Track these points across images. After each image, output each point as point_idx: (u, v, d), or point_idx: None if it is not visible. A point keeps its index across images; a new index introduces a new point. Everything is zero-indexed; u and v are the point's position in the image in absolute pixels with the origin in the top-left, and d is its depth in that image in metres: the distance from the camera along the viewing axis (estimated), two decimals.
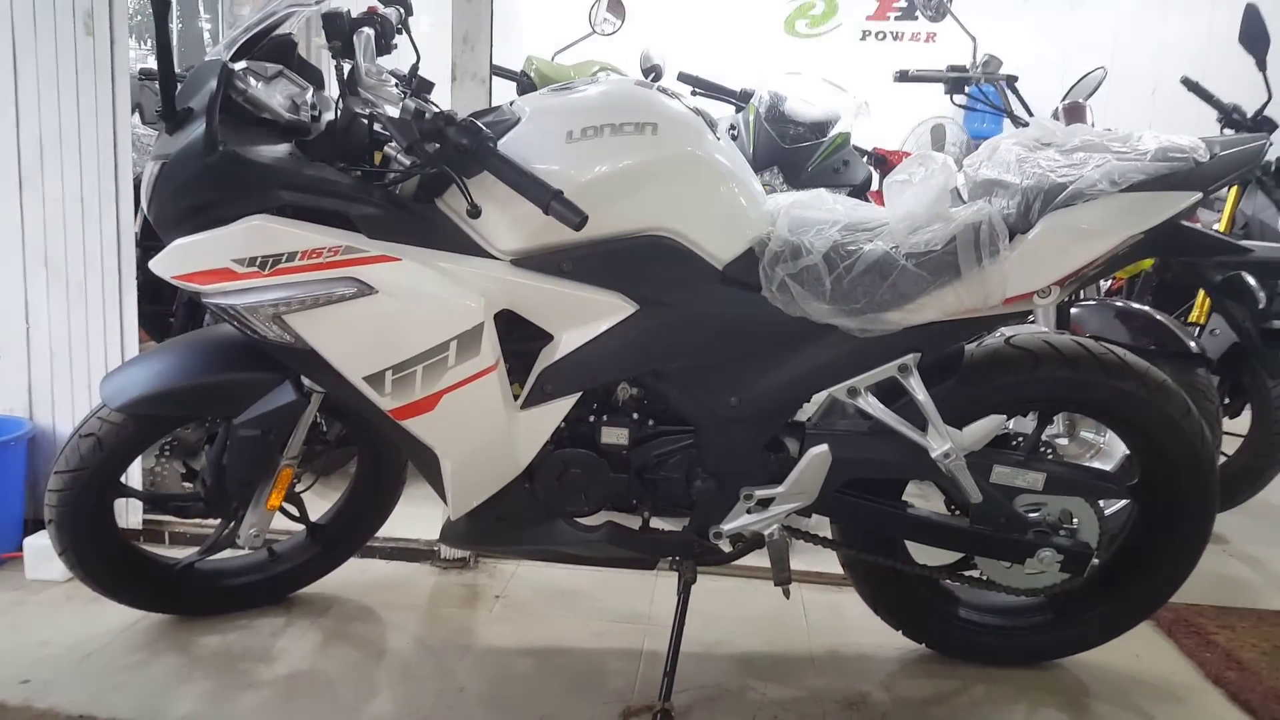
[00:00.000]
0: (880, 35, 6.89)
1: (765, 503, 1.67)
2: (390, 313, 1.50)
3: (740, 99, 2.95)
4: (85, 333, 2.28)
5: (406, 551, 2.31)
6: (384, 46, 1.71)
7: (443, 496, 1.68)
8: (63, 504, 1.70)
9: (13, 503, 2.18)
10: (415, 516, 2.24)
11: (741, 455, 1.67)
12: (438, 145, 1.42)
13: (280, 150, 1.51)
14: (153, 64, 3.54)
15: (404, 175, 1.50)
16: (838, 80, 2.90)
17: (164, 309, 2.82)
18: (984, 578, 1.74)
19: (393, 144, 1.50)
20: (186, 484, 1.92)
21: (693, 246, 1.55)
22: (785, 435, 1.70)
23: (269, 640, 1.88)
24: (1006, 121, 2.86)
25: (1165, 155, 1.44)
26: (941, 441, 1.57)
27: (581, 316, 1.56)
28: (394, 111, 1.53)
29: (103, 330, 2.28)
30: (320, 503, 2.11)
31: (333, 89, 1.65)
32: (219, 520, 1.87)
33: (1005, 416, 1.61)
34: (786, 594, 1.70)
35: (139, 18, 5.15)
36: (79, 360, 2.29)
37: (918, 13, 2.87)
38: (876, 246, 1.51)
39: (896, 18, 6.94)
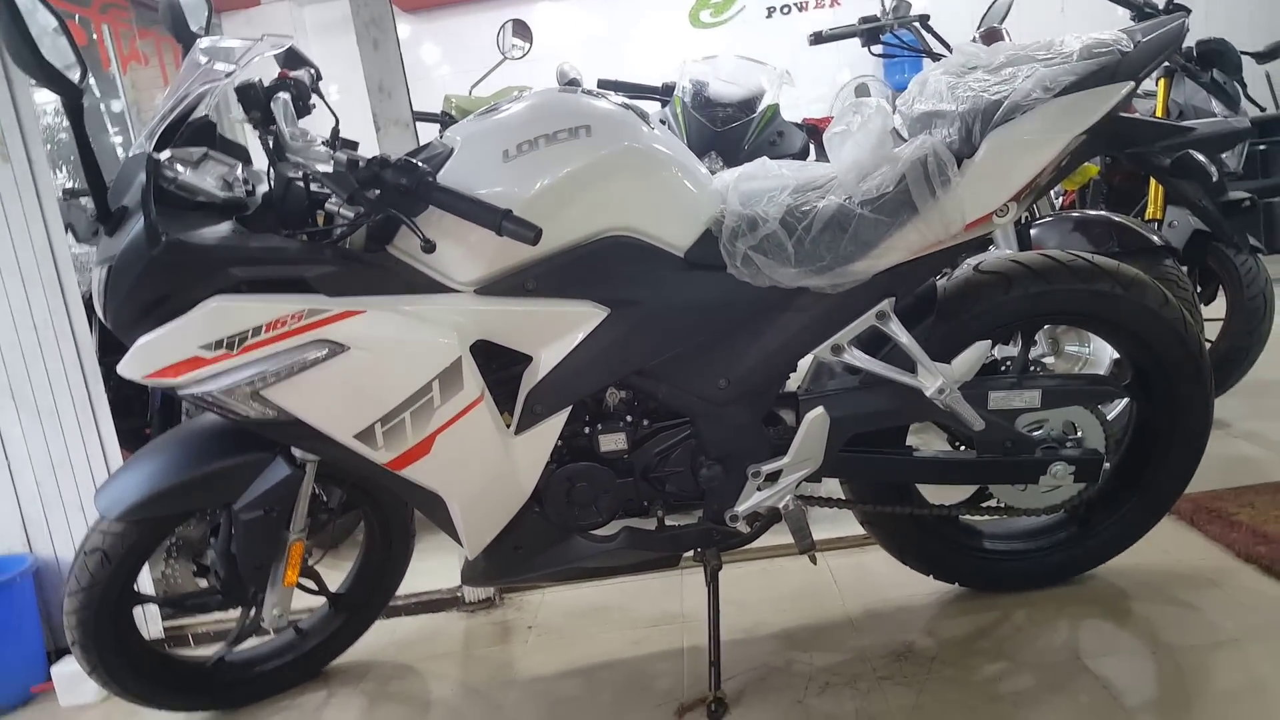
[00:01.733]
0: (785, 9, 6.95)
1: (774, 476, 1.67)
2: (366, 366, 1.48)
3: (663, 93, 2.96)
4: (67, 456, 2.25)
5: (430, 603, 2.30)
6: (302, 109, 1.69)
7: (456, 539, 1.66)
8: (82, 624, 1.68)
9: (31, 637, 2.14)
10: (432, 568, 2.24)
11: (741, 435, 1.67)
12: (377, 191, 1.42)
13: (223, 229, 1.49)
14: (74, 184, 3.52)
15: (350, 228, 1.49)
16: (753, 55, 2.91)
17: (138, 421, 2.78)
18: (1002, 505, 1.74)
19: (333, 200, 1.50)
20: (200, 580, 1.89)
21: (650, 239, 1.55)
22: (780, 408, 1.70)
23: (315, 715, 1.85)
24: (927, 62, 2.89)
25: (1091, 53, 1.46)
26: (933, 379, 1.58)
27: (555, 331, 1.56)
28: (327, 168, 1.52)
29: (84, 451, 2.25)
30: (336, 574, 2.09)
31: (260, 161, 1.65)
32: (240, 610, 1.85)
33: (989, 342, 1.62)
34: (813, 560, 1.70)
35: (50, 145, 5.10)
36: (66, 484, 2.26)
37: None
38: (830, 201, 1.51)
39: None
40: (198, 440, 1.70)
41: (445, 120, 3.03)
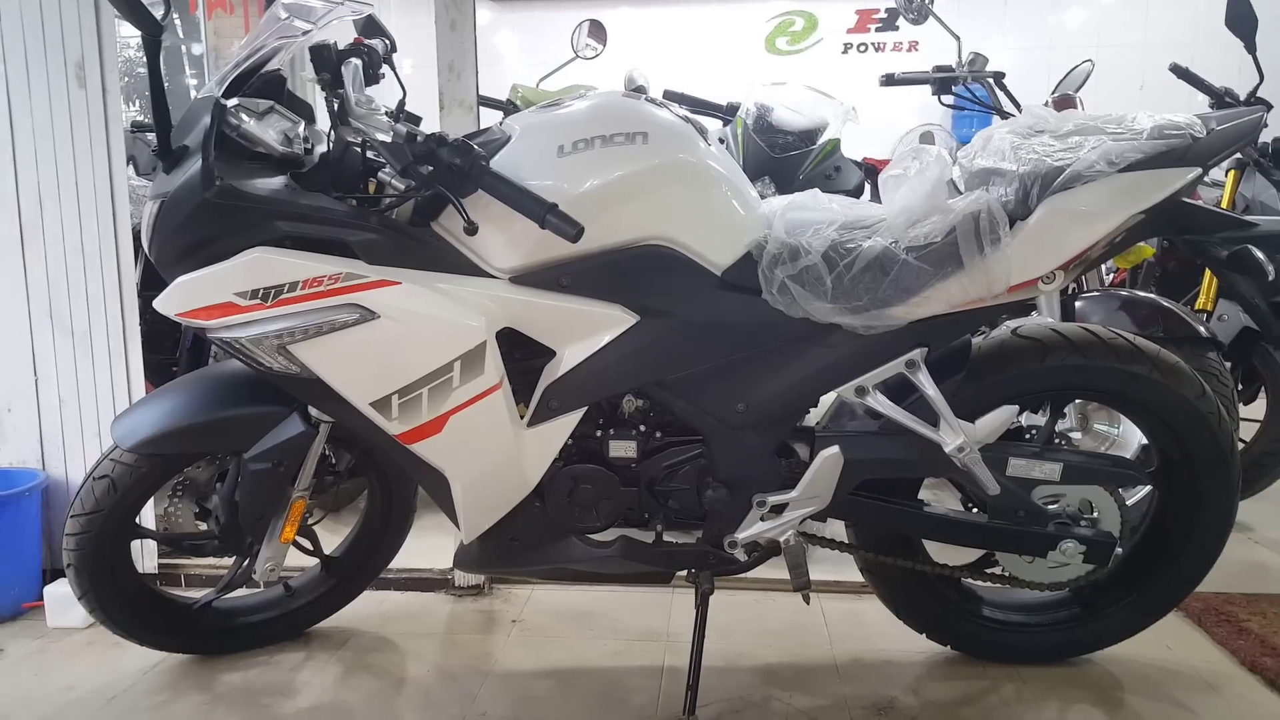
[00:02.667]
0: (862, 47, 6.95)
1: (779, 509, 1.65)
2: (393, 337, 1.50)
3: (727, 112, 2.96)
4: (93, 381, 2.29)
5: (420, 581, 2.30)
6: (371, 77, 1.71)
7: (454, 520, 1.67)
8: (80, 547, 1.70)
9: (30, 553, 2.17)
10: (427, 547, 2.24)
11: (752, 462, 1.65)
12: (431, 167, 1.43)
13: (276, 183, 1.51)
14: (144, 118, 3.59)
15: (399, 200, 1.51)
16: (822, 87, 2.91)
17: (166, 358, 2.83)
18: (1006, 574, 1.72)
19: (386, 170, 1.52)
20: (200, 523, 1.91)
21: (690, 254, 1.55)
22: (795, 440, 1.69)
23: (289, 675, 1.86)
24: (996, 119, 2.87)
25: (1161, 133, 1.44)
26: (955, 436, 1.56)
27: (583, 331, 1.56)
28: (385, 138, 1.54)
29: (109, 377, 2.29)
30: (333, 537, 2.10)
31: (323, 122, 1.67)
32: (234, 558, 1.86)
33: (1016, 408, 1.59)
34: (806, 599, 1.68)
35: (127, 79, 5.21)
36: (88, 409, 2.29)
37: (900, 19, 2.87)
38: (876, 243, 1.50)
39: (877, 29, 7.00)
40: (220, 385, 1.72)
41: (508, 108, 3.06)
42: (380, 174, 1.52)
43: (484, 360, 1.51)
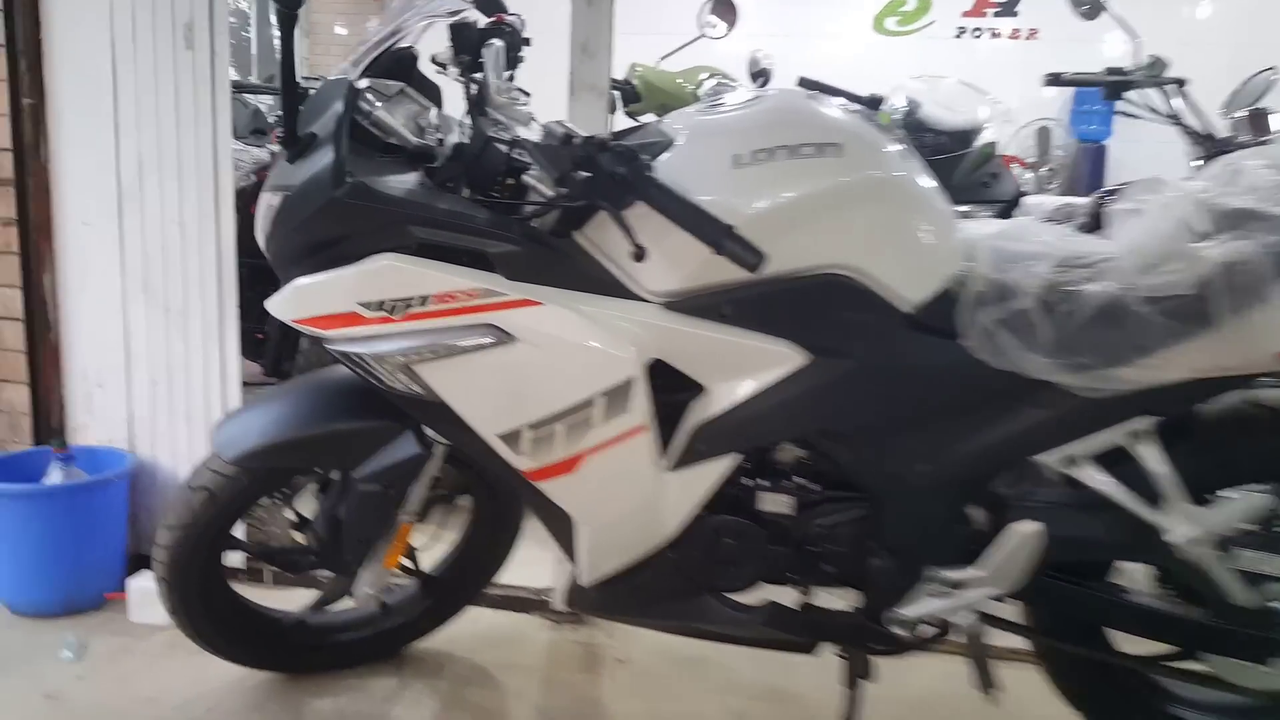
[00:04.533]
0: (977, 32, 6.52)
1: (954, 585, 1.44)
2: (530, 364, 1.32)
3: (869, 105, 2.71)
4: (185, 361, 2.17)
5: (516, 601, 2.15)
6: (512, 60, 1.53)
7: (572, 560, 1.50)
8: (174, 560, 1.57)
9: (115, 542, 2.08)
10: (522, 560, 2.07)
11: (927, 529, 1.44)
12: (587, 174, 1.24)
13: (410, 180, 1.34)
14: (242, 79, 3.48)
15: (545, 207, 1.32)
16: (976, 83, 2.64)
17: (254, 326, 2.71)
18: (1215, 675, 1.48)
19: (532, 171, 1.33)
20: (295, 531, 1.78)
21: (877, 287, 1.33)
22: (976, 505, 1.47)
23: (383, 706, 1.73)
24: (1170, 132, 2.56)
25: None
26: (1184, 524, 1.33)
27: (743, 367, 1.36)
28: (526, 133, 1.35)
29: (203, 358, 2.17)
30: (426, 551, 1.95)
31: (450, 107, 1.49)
32: (332, 575, 1.72)
33: (1269, 495, 1.35)
34: (993, 698, 1.47)
35: (231, 43, 5.14)
36: (179, 389, 2.18)
37: (1076, 9, 2.57)
38: (1103, 288, 1.27)
39: (995, 13, 6.57)
40: (330, 395, 1.56)
41: (625, 89, 2.85)
42: (525, 176, 1.33)
43: (631, 397, 1.33)
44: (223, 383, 2.17)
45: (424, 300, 1.30)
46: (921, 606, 1.44)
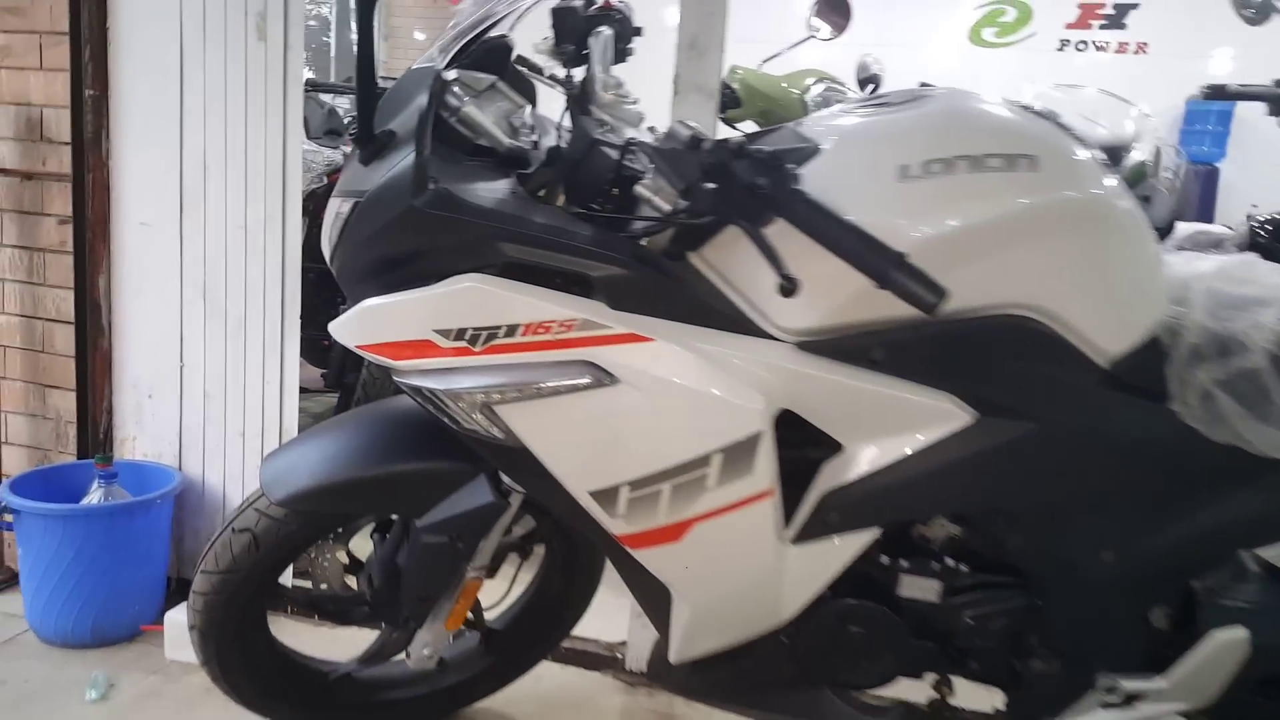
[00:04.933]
0: (1081, 45, 6.16)
1: (1130, 696, 1.18)
2: (635, 411, 1.10)
3: None
4: (243, 374, 2.01)
5: (585, 656, 1.94)
6: (621, 52, 1.32)
7: (663, 634, 1.28)
8: (209, 609, 1.38)
9: (157, 568, 1.92)
10: (594, 607, 1.84)
11: (1105, 630, 1.20)
12: (715, 185, 1.02)
13: (501, 189, 1.14)
14: (313, 75, 3.36)
15: (661, 224, 1.10)
16: (1120, 93, 2.35)
17: (319, 333, 2.56)
18: None
19: (646, 181, 1.11)
20: (348, 576, 1.58)
21: (1069, 334, 1.10)
22: (1165, 603, 1.21)
23: None
24: None
25: None
26: None
27: (892, 424, 1.13)
28: (641, 137, 1.14)
29: (261, 371, 2.01)
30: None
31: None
32: (385, 626, 1.53)
33: None
34: None
35: (312, 46, 5.04)
36: (233, 403, 2.02)
37: (1240, 13, 2.28)
38: None
39: (1101, 26, 6.20)
40: (392, 430, 1.36)
41: (723, 94, 2.62)
42: (638, 186, 1.11)
43: (755, 456, 1.10)
44: (280, 398, 2.01)
45: (512, 330, 1.09)
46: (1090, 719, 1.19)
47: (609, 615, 1.84)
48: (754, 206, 1.00)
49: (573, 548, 1.65)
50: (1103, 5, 6.07)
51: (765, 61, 2.86)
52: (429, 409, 1.19)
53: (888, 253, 0.96)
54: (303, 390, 2.73)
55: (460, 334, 1.10)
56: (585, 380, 1.09)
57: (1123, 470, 1.13)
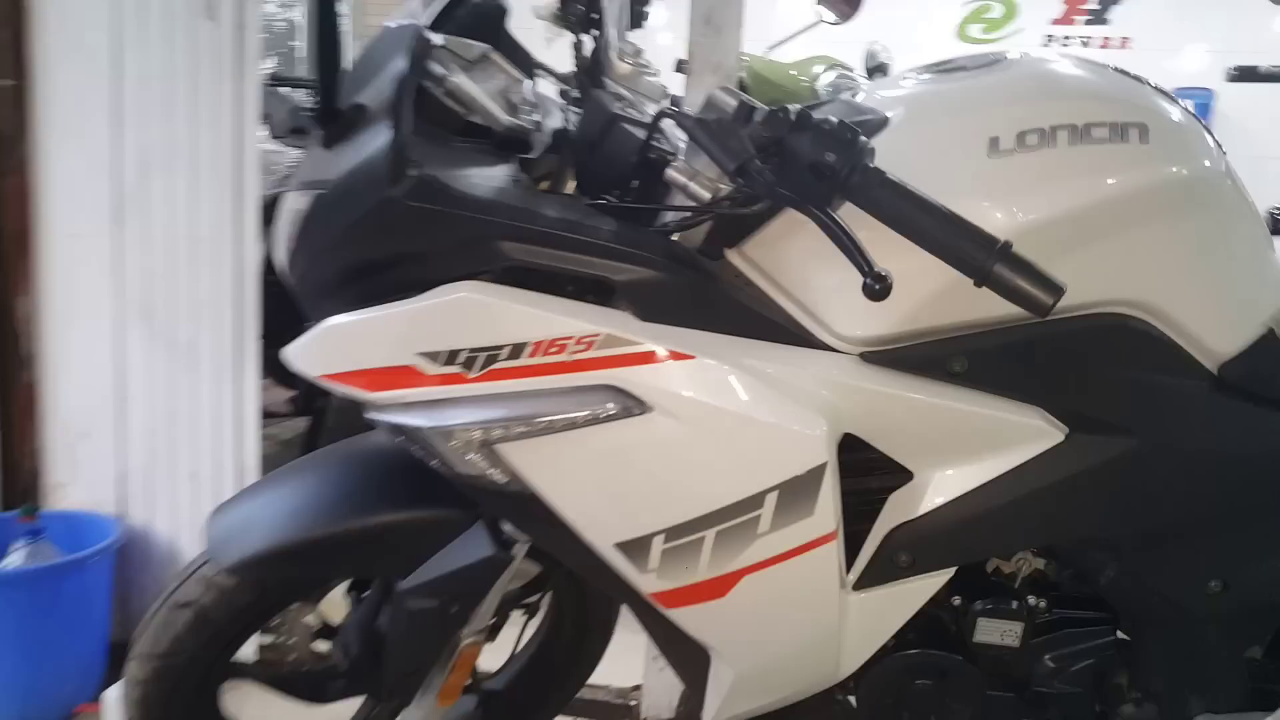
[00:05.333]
0: (1066, 41, 6.17)
1: None
2: (673, 445, 0.90)
3: None
4: (192, 407, 1.80)
5: (597, 706, 1.76)
6: (637, 15, 1.13)
7: (695, 693, 1.08)
8: (147, 702, 1.15)
9: (93, 636, 1.67)
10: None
11: (1207, 666, 1.06)
12: (773, 165, 0.82)
13: (500, 176, 0.94)
14: (279, 70, 3.17)
15: (699, 215, 0.90)
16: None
17: (274, 350, 2.34)
18: None
19: (678, 163, 0.91)
20: (320, 641, 1.35)
21: (1178, 334, 0.94)
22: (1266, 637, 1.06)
23: None
24: None
25: None
26: None
27: (972, 446, 0.97)
28: (678, 107, 0.95)
29: (214, 403, 1.79)
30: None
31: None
32: (365, 699, 1.30)
33: None
34: None
35: (267, 34, 4.81)
36: (182, 441, 1.80)
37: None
38: None
39: (1086, 21, 6.23)
40: (365, 472, 1.14)
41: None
42: (669, 170, 0.90)
43: (818, 493, 0.91)
44: (237, 434, 1.79)
45: (518, 350, 0.89)
46: None
47: (620, 655, 1.62)
48: (823, 190, 0.80)
49: (584, 594, 1.43)
50: (1086, 1, 6.05)
51: (772, 48, 2.71)
52: (417, 450, 0.98)
53: (992, 243, 0.77)
54: (269, 415, 2.49)
55: (452, 357, 0.89)
56: (610, 409, 0.88)
57: (1234, 489, 0.98)
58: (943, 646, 1.07)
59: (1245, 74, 2.16)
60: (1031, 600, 1.06)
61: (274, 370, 2.34)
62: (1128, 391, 0.95)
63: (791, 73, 2.51)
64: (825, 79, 2.46)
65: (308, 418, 2.51)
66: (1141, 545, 1.00)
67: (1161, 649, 1.05)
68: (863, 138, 0.81)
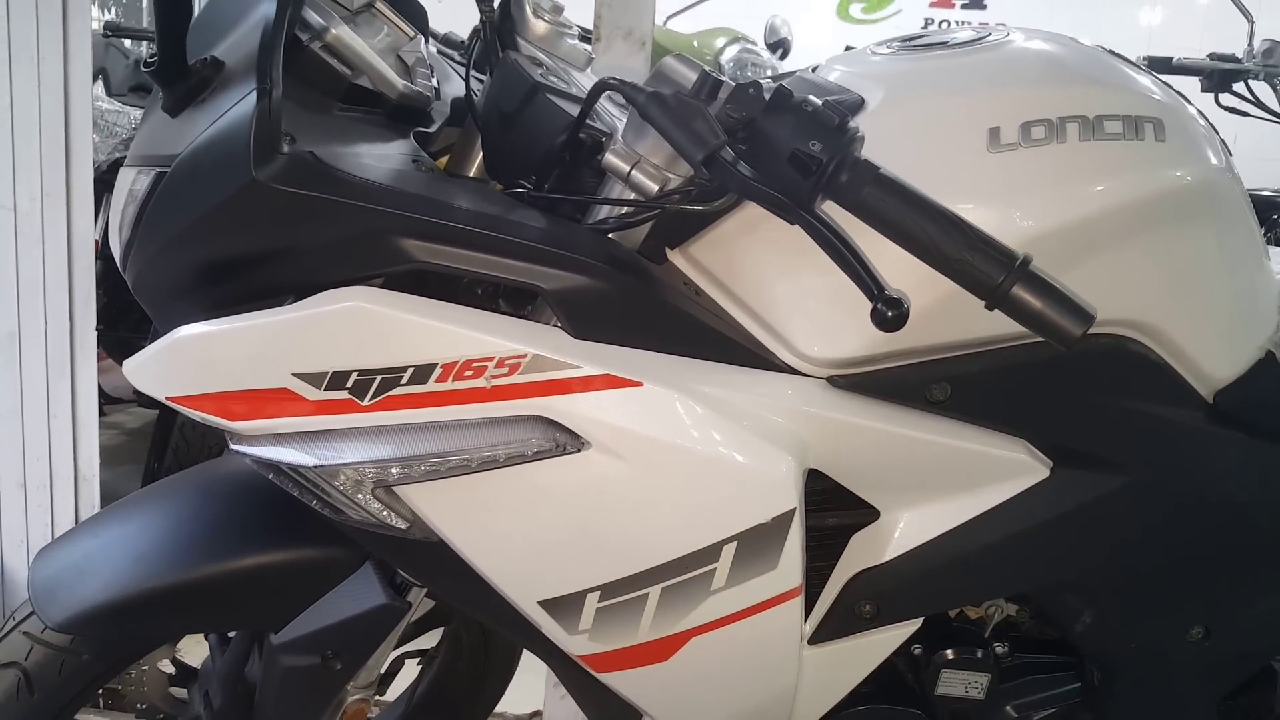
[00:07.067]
0: (944, 24, 6.28)
1: None
2: (613, 488, 0.75)
3: None
4: (19, 407, 1.54)
5: None
6: None
7: None
8: None
9: None
10: None
11: (1180, 715, 0.97)
12: (745, 154, 0.68)
13: (396, 154, 0.76)
14: (119, 19, 2.87)
15: (644, 210, 0.75)
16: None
17: (130, 335, 2.08)
18: None
19: (617, 146, 0.75)
20: (176, 689, 1.15)
21: (1172, 358, 0.85)
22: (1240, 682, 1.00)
23: None
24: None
25: None
26: None
27: (947, 482, 0.86)
28: (590, 83, 0.79)
29: (45, 403, 1.53)
30: None
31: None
32: None
33: None
34: None
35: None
36: (9, 446, 1.54)
37: None
38: None
39: (963, 5, 6.36)
40: (224, 506, 0.95)
41: None
42: (607, 155, 0.74)
43: (784, 543, 0.78)
44: (73, 435, 1.53)
45: (424, 373, 0.71)
46: None
47: (519, 677, 1.48)
48: (807, 187, 0.66)
49: (485, 632, 1.28)
50: None
51: (669, 18, 2.53)
52: (297, 492, 0.79)
53: (1010, 259, 0.64)
54: (114, 400, 2.23)
55: (339, 379, 0.71)
56: (538, 445, 0.72)
57: (1225, 529, 0.90)
58: (900, 700, 0.96)
59: (1156, 65, 2.15)
60: (999, 648, 0.97)
61: (117, 351, 2.08)
62: (1119, 422, 0.85)
63: (694, 45, 2.35)
64: (729, 53, 2.30)
65: (155, 411, 2.25)
66: (1123, 589, 0.92)
67: (1133, 699, 0.97)
68: (853, 123, 0.67)
